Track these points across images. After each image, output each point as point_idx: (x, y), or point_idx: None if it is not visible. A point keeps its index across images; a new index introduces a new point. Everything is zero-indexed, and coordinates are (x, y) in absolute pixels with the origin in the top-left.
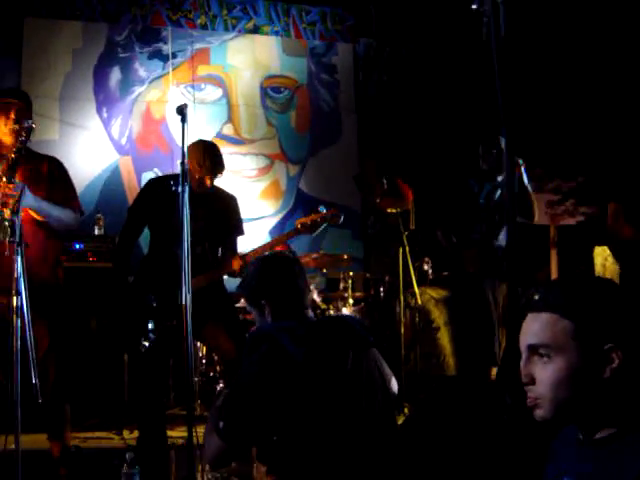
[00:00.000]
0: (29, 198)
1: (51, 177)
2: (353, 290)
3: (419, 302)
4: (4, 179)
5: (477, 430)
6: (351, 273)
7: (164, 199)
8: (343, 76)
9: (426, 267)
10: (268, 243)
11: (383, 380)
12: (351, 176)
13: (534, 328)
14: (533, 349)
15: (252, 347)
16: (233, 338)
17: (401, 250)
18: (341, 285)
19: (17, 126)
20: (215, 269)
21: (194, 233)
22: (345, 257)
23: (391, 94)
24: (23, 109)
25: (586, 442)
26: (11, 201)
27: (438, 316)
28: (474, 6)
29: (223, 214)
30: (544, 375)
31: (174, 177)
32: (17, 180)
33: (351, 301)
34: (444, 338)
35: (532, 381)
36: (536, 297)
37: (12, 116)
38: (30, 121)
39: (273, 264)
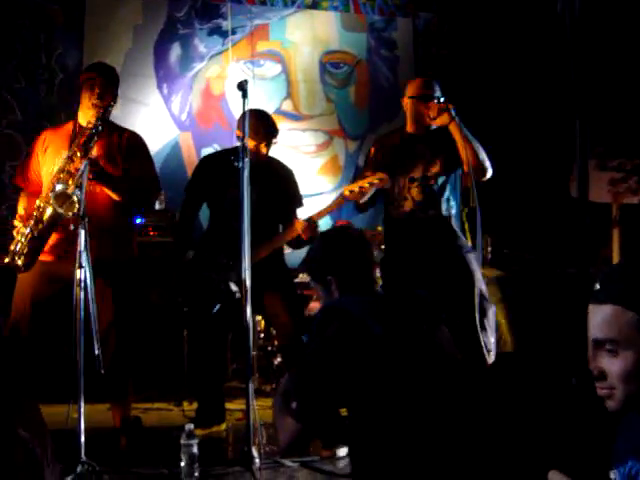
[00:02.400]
0: (101, 174)
1: (130, 152)
2: None
3: None
4: (78, 154)
5: (539, 407)
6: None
7: (221, 174)
8: (402, 51)
9: (485, 244)
10: (319, 212)
11: (456, 356)
12: None
13: (598, 321)
14: (599, 343)
15: (324, 322)
16: (290, 312)
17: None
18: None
19: (99, 101)
20: (269, 242)
21: (251, 205)
22: None
23: (451, 69)
24: (107, 85)
25: None
26: (79, 177)
27: (492, 294)
28: None
29: (280, 185)
30: (613, 369)
31: (231, 152)
32: (92, 156)
33: None
34: (499, 315)
35: (601, 375)
36: (597, 287)
37: (97, 90)
38: (109, 92)
39: (338, 239)
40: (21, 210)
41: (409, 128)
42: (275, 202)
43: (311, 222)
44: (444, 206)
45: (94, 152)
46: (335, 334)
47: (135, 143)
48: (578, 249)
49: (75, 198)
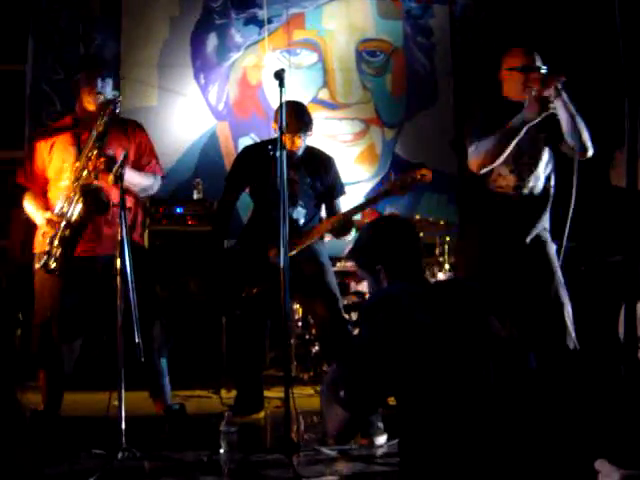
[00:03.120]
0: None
1: (136, 143)
2: (449, 255)
3: None
4: (94, 152)
5: (588, 397)
6: (447, 238)
7: (261, 164)
8: (440, 39)
9: None
10: (359, 205)
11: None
12: (447, 140)
13: None
14: None
15: (372, 310)
16: (329, 302)
17: None
18: (437, 250)
19: (100, 95)
20: (308, 233)
21: (290, 195)
22: (441, 222)
23: (488, 57)
24: (105, 77)
25: None
26: (105, 175)
27: None
28: None
29: (318, 176)
30: None
31: (271, 142)
32: (109, 154)
33: (447, 266)
34: None
35: None
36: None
37: (95, 85)
38: (116, 93)
39: (387, 227)
40: (31, 212)
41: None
42: (314, 194)
43: (342, 220)
44: (545, 184)
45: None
46: (383, 322)
47: (138, 133)
48: (624, 237)
49: (103, 198)
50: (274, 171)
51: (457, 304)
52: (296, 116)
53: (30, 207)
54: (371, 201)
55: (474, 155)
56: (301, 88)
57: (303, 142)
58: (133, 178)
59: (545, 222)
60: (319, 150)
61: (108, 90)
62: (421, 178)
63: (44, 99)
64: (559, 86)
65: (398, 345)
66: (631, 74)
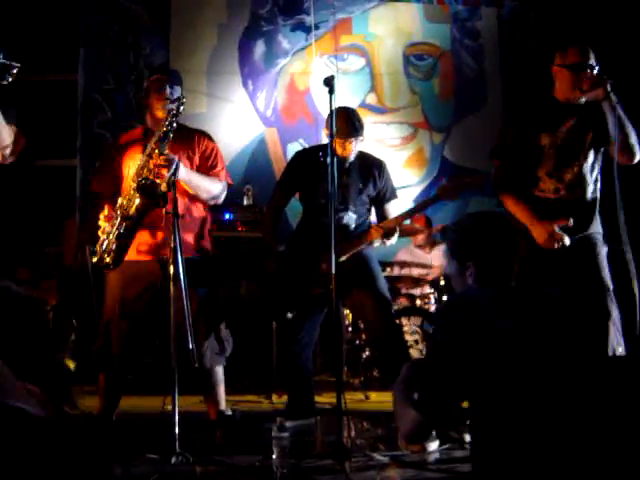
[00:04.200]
0: (181, 171)
1: (201, 150)
2: None
3: None
4: (156, 151)
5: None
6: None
7: (312, 170)
8: (487, 41)
9: None
10: (410, 210)
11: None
12: None
13: None
14: None
15: (450, 312)
16: (379, 307)
17: None
18: None
19: (168, 101)
20: (358, 238)
21: (341, 201)
22: None
23: (538, 59)
24: (173, 84)
25: None
26: (165, 172)
27: None
28: None
29: (369, 180)
30: None
31: (322, 148)
32: (170, 153)
33: None
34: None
35: None
36: None
37: (164, 92)
38: (181, 95)
39: (492, 225)
40: (102, 215)
41: (559, 97)
42: (365, 200)
43: (392, 227)
44: (591, 187)
45: (168, 151)
46: (461, 326)
47: (205, 141)
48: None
49: (159, 192)
50: (325, 177)
51: (538, 311)
52: (347, 121)
53: (100, 213)
54: (422, 206)
55: None
56: (349, 93)
57: (354, 147)
58: (193, 178)
59: (594, 227)
60: (370, 155)
61: (176, 97)
62: (473, 183)
63: (95, 108)
64: (608, 88)
65: (474, 349)
66: None
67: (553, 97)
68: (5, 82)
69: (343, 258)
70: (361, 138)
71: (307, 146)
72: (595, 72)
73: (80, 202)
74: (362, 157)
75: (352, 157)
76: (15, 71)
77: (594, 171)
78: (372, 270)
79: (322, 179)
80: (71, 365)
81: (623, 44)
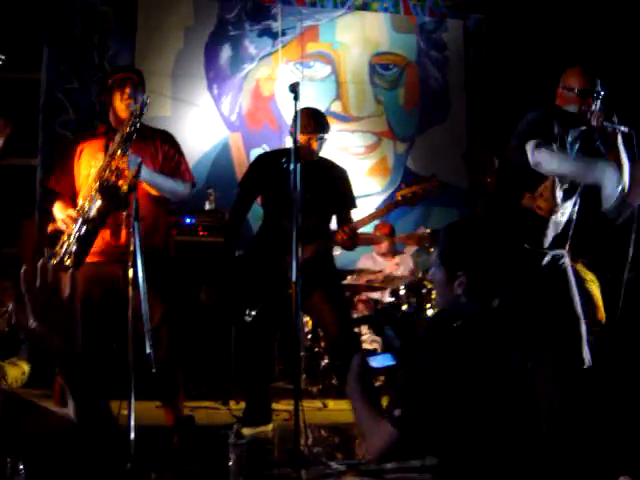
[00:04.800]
0: (144, 172)
1: (164, 150)
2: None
3: None
4: (119, 152)
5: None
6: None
7: (274, 173)
8: (453, 53)
9: None
10: (369, 215)
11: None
12: (459, 154)
13: None
14: None
15: (439, 328)
16: (337, 315)
17: None
18: None
19: (132, 101)
20: (321, 240)
21: (302, 205)
22: None
23: (502, 71)
24: (137, 84)
25: None
26: (127, 174)
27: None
28: None
29: (332, 185)
30: None
31: (284, 152)
32: (132, 154)
33: None
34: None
35: None
36: None
37: (127, 91)
38: (145, 96)
39: (489, 233)
40: (56, 214)
41: None
42: (326, 205)
43: (352, 232)
44: (573, 209)
45: (131, 152)
46: (454, 342)
47: (168, 142)
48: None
49: (121, 193)
50: (287, 181)
51: (531, 337)
52: (314, 118)
53: (55, 210)
54: (381, 212)
55: (537, 153)
56: (314, 100)
57: (319, 147)
58: (157, 179)
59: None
60: (332, 162)
61: (140, 98)
62: (431, 190)
63: (58, 108)
64: (618, 142)
65: (468, 372)
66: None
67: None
68: None
69: (303, 260)
70: (326, 137)
71: None
72: (601, 97)
73: (40, 202)
74: (324, 164)
75: (315, 158)
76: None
77: (578, 195)
78: (333, 276)
79: (284, 183)
80: (25, 368)
81: (587, 56)
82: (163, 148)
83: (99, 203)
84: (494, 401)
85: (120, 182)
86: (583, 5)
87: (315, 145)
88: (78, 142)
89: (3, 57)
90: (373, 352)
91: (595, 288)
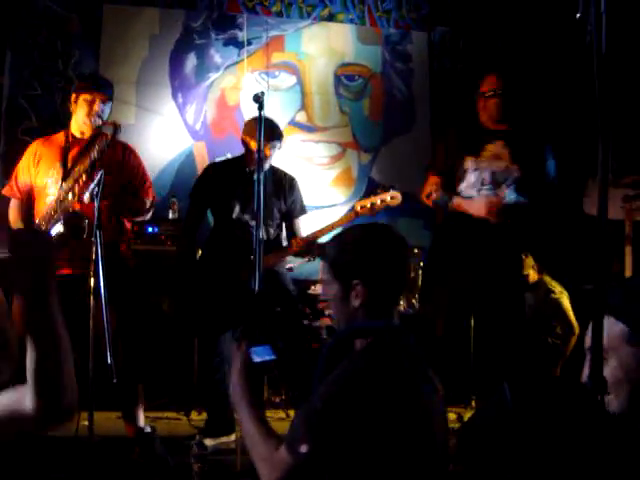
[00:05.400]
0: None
1: (126, 164)
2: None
3: None
4: (84, 177)
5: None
6: (422, 264)
7: (228, 183)
8: (417, 65)
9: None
10: (327, 226)
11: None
12: (424, 164)
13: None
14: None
15: (343, 346)
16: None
17: None
18: (411, 276)
19: (100, 121)
20: (277, 250)
21: (253, 215)
22: (415, 250)
23: (466, 83)
24: (107, 101)
25: None
26: (88, 191)
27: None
28: (578, 15)
29: (281, 195)
30: (606, 374)
31: (237, 160)
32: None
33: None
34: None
35: None
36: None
37: (96, 108)
38: (109, 106)
39: (385, 237)
40: (11, 220)
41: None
42: (276, 214)
43: (310, 241)
44: None
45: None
46: (370, 366)
47: (130, 156)
48: (595, 266)
49: (84, 225)
50: (236, 191)
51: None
52: (272, 126)
53: (12, 217)
54: (340, 222)
55: None
56: (279, 110)
57: (272, 154)
58: (123, 199)
59: None
60: (283, 170)
61: (107, 114)
62: (390, 200)
63: (20, 114)
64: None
65: (388, 399)
66: (605, 111)
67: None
68: None
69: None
70: (279, 146)
71: None
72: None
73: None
74: (275, 172)
75: (266, 167)
76: None
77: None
78: (288, 288)
79: (234, 193)
80: None
81: (549, 71)
82: (129, 164)
83: (60, 229)
84: (404, 433)
85: (79, 208)
86: (545, 19)
87: (268, 152)
88: (36, 147)
89: None
90: (255, 343)
91: (565, 299)
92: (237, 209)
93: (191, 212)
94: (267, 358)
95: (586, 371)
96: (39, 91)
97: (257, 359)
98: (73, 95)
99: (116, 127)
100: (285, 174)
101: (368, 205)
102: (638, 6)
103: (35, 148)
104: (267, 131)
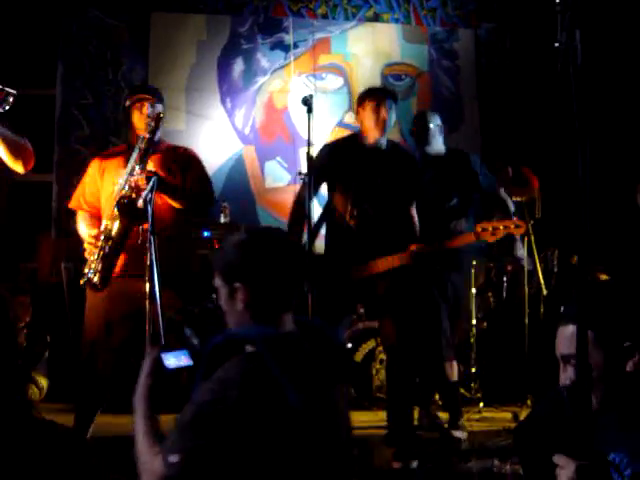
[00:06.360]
0: (164, 186)
1: (185, 166)
2: (475, 278)
3: (544, 292)
4: (137, 168)
5: None
6: (474, 262)
7: (346, 162)
8: (464, 62)
9: (551, 257)
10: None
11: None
12: None
13: (562, 339)
14: (566, 359)
15: (221, 357)
16: (396, 321)
17: (526, 239)
18: None
19: (149, 119)
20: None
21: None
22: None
23: (514, 79)
24: (156, 103)
25: (626, 426)
26: (143, 189)
27: None
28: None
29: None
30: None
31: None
32: (152, 169)
33: (473, 290)
34: None
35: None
36: (563, 310)
37: (145, 111)
38: (159, 108)
39: (272, 241)
40: (81, 232)
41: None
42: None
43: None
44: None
45: (151, 166)
46: (242, 380)
47: (189, 158)
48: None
49: (140, 209)
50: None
51: (322, 371)
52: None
53: (82, 226)
54: (455, 242)
55: None
56: (327, 112)
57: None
58: (177, 194)
59: None
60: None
61: (155, 109)
62: (514, 229)
63: (73, 123)
64: None
65: (256, 415)
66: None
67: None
68: (2, 110)
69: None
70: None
71: (285, 164)
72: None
73: (56, 218)
74: (392, 147)
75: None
76: (12, 99)
77: None
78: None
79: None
80: (44, 382)
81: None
82: (184, 163)
83: (119, 221)
84: (271, 444)
85: (135, 196)
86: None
87: (384, 115)
88: (99, 161)
89: (15, 92)
90: (169, 348)
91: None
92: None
93: (305, 188)
94: (182, 364)
95: (562, 376)
96: (90, 100)
97: (171, 365)
98: (127, 108)
99: (159, 116)
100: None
101: (490, 229)
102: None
103: (98, 162)
104: (373, 89)
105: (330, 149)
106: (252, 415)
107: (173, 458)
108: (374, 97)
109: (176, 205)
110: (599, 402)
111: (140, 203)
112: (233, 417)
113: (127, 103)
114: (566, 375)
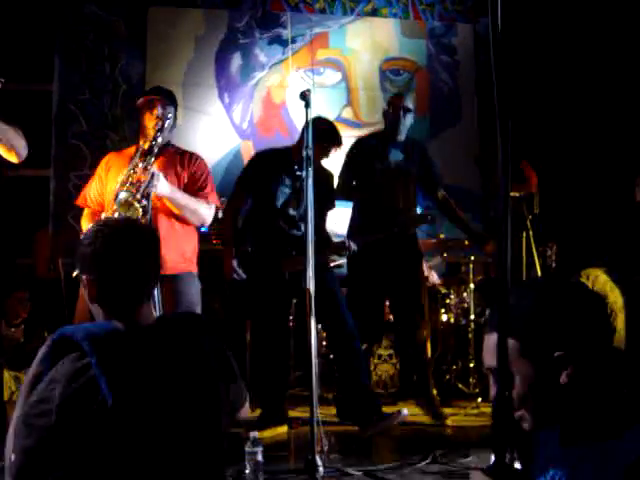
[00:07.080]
0: (164, 186)
1: (191, 170)
2: (474, 274)
3: None
4: (140, 165)
5: None
6: (472, 257)
7: (274, 172)
8: (463, 57)
9: (550, 252)
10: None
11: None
12: (471, 158)
13: (489, 349)
14: (493, 371)
15: (55, 355)
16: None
17: (524, 234)
18: (462, 269)
19: (157, 119)
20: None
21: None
22: (466, 242)
23: (512, 75)
24: (166, 104)
25: (565, 442)
26: (142, 185)
27: (614, 301)
28: None
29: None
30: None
31: (285, 152)
32: (152, 168)
33: (472, 286)
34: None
35: None
36: (486, 317)
37: (155, 112)
38: (170, 110)
39: (115, 231)
40: (85, 227)
41: None
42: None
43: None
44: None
45: (155, 167)
46: (65, 380)
47: (195, 162)
48: None
49: (138, 206)
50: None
51: (160, 362)
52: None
53: (84, 223)
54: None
55: None
56: (325, 107)
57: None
58: (178, 197)
59: None
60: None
61: (170, 118)
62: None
63: (70, 119)
64: None
65: (76, 416)
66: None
67: None
68: None
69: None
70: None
71: None
72: None
73: (53, 213)
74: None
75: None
76: None
77: None
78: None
79: (282, 182)
80: None
81: (597, 54)
82: (191, 168)
83: (117, 215)
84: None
85: (135, 192)
86: (595, 9)
87: (325, 156)
88: (108, 159)
89: (2, 80)
90: None
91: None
92: (283, 200)
93: (234, 197)
94: None
95: (493, 391)
96: (87, 95)
97: None
98: (138, 110)
99: (165, 117)
100: (324, 168)
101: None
102: None
103: (107, 159)
104: (338, 137)
105: (261, 160)
106: (71, 415)
107: (12, 457)
108: (339, 146)
109: (175, 211)
110: (534, 417)
111: (138, 197)
112: (55, 417)
113: (138, 104)
114: (495, 389)
